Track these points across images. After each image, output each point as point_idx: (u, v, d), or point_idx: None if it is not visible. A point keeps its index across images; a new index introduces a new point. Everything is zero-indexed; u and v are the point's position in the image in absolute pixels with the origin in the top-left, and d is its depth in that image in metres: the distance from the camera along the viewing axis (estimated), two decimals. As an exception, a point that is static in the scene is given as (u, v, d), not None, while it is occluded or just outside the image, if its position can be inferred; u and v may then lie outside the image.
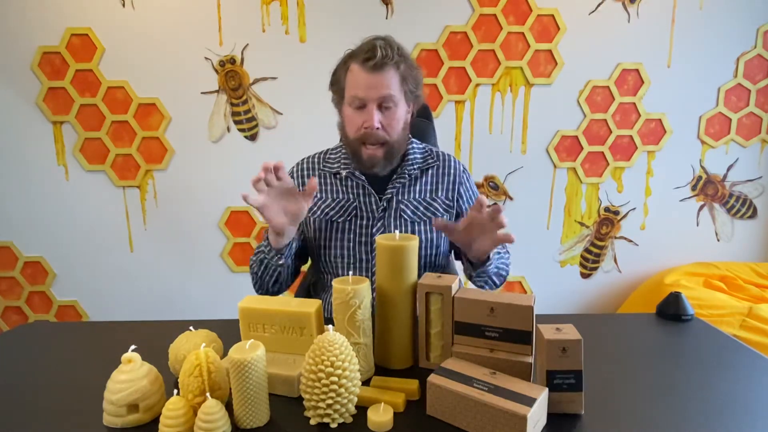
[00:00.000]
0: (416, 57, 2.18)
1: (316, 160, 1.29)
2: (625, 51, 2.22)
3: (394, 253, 0.82)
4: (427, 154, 1.27)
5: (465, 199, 1.27)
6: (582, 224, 2.38)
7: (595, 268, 2.43)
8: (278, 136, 2.24)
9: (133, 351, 0.72)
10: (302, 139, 2.22)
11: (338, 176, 1.24)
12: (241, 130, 2.24)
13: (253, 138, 2.24)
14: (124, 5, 2.10)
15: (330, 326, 0.71)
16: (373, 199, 1.21)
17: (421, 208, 1.22)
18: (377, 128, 1.12)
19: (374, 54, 1.10)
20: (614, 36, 2.20)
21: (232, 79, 2.19)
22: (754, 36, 2.22)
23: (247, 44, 2.16)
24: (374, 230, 1.20)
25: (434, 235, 1.22)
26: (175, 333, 0.84)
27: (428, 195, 1.23)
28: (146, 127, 2.21)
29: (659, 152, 2.32)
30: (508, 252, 1.34)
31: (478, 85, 2.23)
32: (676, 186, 2.37)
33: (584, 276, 2.44)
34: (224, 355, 0.85)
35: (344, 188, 1.23)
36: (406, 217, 1.20)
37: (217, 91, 2.20)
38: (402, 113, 1.17)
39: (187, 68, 2.16)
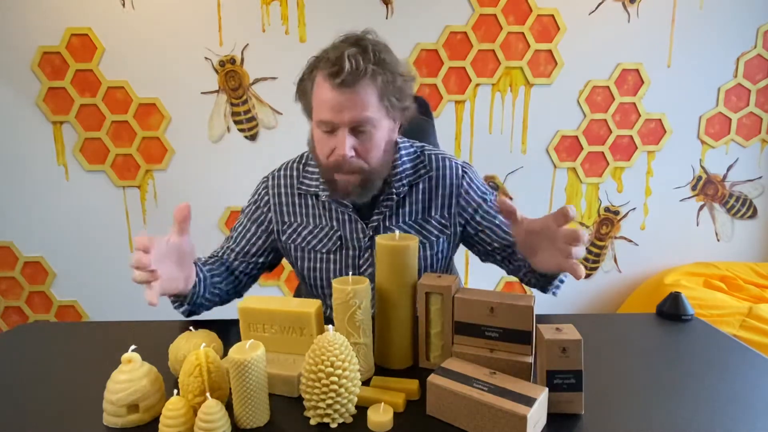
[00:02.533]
0: (416, 57, 2.18)
1: (294, 174, 1.11)
2: (625, 51, 2.22)
3: (394, 253, 0.82)
4: (418, 161, 1.08)
5: (472, 206, 1.09)
6: (582, 224, 2.38)
7: (595, 268, 2.43)
8: (278, 136, 2.24)
9: (133, 351, 0.72)
10: (302, 139, 2.20)
11: (317, 197, 1.08)
12: (241, 130, 2.24)
13: (253, 138, 2.24)
14: (124, 5, 2.10)
15: (330, 326, 0.71)
16: (359, 227, 1.06)
17: (413, 233, 1.06)
18: (351, 156, 0.94)
19: (342, 67, 0.89)
20: (614, 36, 2.20)
21: (232, 79, 2.19)
22: (754, 36, 2.22)
23: (247, 44, 2.16)
24: (361, 261, 1.06)
25: (429, 262, 1.09)
26: (175, 333, 0.84)
27: (420, 216, 1.07)
28: (146, 127, 2.21)
29: (659, 152, 2.32)
30: None
31: (478, 85, 2.23)
32: (676, 186, 2.37)
33: (584, 276, 2.44)
34: (224, 355, 0.85)
35: (326, 213, 1.07)
36: None
37: (217, 91, 2.20)
38: (383, 135, 0.98)
39: (187, 68, 2.16)
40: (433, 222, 1.08)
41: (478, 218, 1.10)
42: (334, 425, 0.69)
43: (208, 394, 0.67)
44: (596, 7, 2.18)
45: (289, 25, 2.15)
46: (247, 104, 2.21)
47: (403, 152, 1.08)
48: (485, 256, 1.15)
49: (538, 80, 2.22)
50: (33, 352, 0.94)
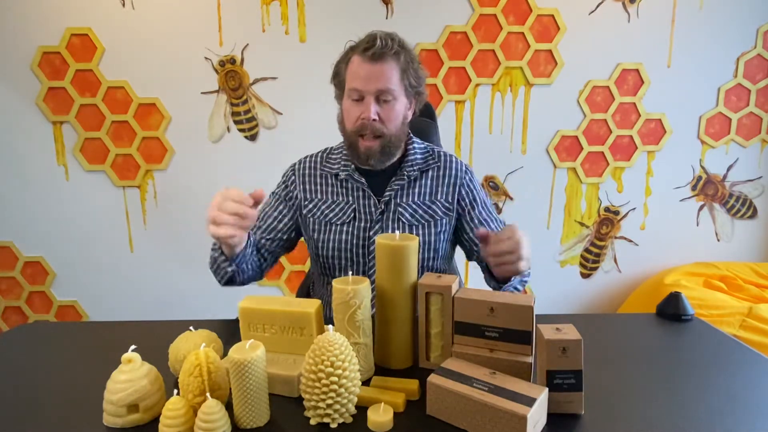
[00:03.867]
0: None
1: (318, 159, 1.27)
2: (625, 51, 2.22)
3: (394, 253, 0.82)
4: (428, 154, 1.25)
5: (468, 201, 1.24)
6: (582, 224, 2.38)
7: (595, 268, 2.43)
8: (278, 136, 2.24)
9: (133, 351, 0.72)
10: (302, 139, 2.22)
11: (338, 177, 1.22)
12: (241, 130, 2.24)
13: (253, 138, 2.24)
14: (124, 5, 2.10)
15: (330, 326, 0.71)
16: (371, 202, 1.19)
17: (420, 211, 1.20)
18: (374, 119, 1.11)
19: (374, 43, 1.09)
20: (614, 36, 2.20)
21: (232, 79, 2.19)
22: (754, 36, 2.23)
23: (247, 44, 2.16)
24: (371, 233, 1.18)
25: (432, 238, 1.20)
26: (175, 333, 0.84)
27: (427, 197, 1.21)
28: (146, 127, 2.21)
29: (659, 152, 2.32)
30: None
31: (478, 85, 2.23)
32: (676, 186, 2.37)
33: (584, 276, 2.44)
34: (224, 355, 0.85)
35: (344, 190, 1.21)
36: (404, 220, 1.19)
37: (217, 91, 2.20)
38: (401, 108, 1.16)
39: (187, 68, 2.16)
40: (439, 203, 1.22)
41: (471, 214, 1.25)
42: (334, 425, 0.69)
43: (208, 394, 0.67)
44: (596, 7, 2.18)
45: (289, 25, 2.15)
46: (247, 104, 2.21)
47: (416, 144, 1.25)
48: (469, 254, 1.31)
49: (538, 80, 2.22)
50: (33, 352, 0.94)
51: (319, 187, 1.23)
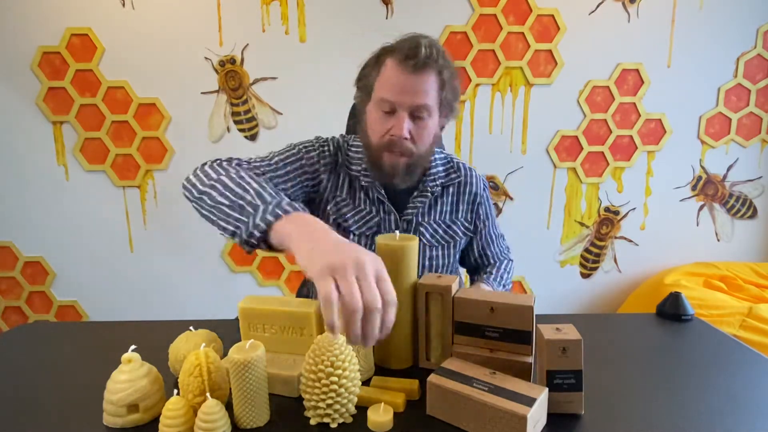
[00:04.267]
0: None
1: (343, 150, 1.13)
2: (625, 51, 2.22)
3: (394, 253, 0.82)
4: (449, 167, 1.17)
5: (482, 219, 1.19)
6: (582, 224, 2.38)
7: (595, 268, 2.43)
8: (278, 136, 2.24)
9: (133, 351, 0.72)
10: (302, 139, 2.22)
11: (360, 182, 1.11)
12: (241, 130, 2.24)
13: (253, 138, 2.24)
14: (124, 5, 2.10)
15: (330, 326, 0.71)
16: (392, 218, 1.11)
17: (440, 231, 1.14)
18: (405, 138, 1.00)
19: (417, 52, 0.96)
20: (614, 36, 2.20)
21: (232, 79, 2.19)
22: (754, 36, 2.22)
23: (247, 44, 2.16)
24: None
25: (451, 260, 1.16)
26: (175, 333, 0.84)
27: (448, 216, 1.15)
28: (146, 127, 2.21)
29: (659, 152, 2.32)
30: (512, 260, 1.32)
31: (478, 85, 2.23)
32: (676, 186, 2.37)
33: (584, 276, 2.44)
34: (224, 355, 0.85)
35: (367, 198, 1.11)
36: (425, 240, 1.12)
37: (217, 91, 2.20)
38: (434, 125, 1.05)
39: (187, 68, 2.16)
40: (459, 223, 1.17)
41: (482, 232, 1.22)
42: (334, 425, 0.69)
43: (208, 394, 0.67)
44: (596, 7, 2.18)
45: (289, 25, 2.15)
46: (247, 104, 2.21)
47: (437, 156, 1.17)
48: (470, 270, 1.30)
49: (538, 80, 2.22)
50: (33, 352, 0.94)
51: (345, 186, 1.11)
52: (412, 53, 0.97)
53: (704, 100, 2.29)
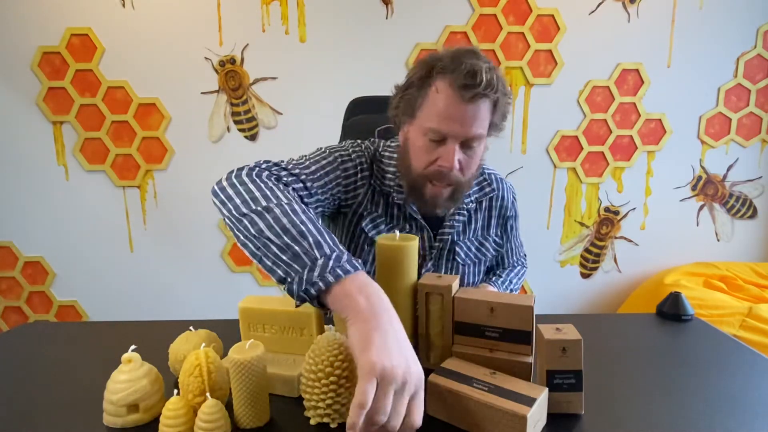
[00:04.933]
0: (416, 57, 2.18)
1: (372, 163, 1.04)
2: (625, 51, 2.22)
3: (394, 253, 0.82)
4: (482, 179, 1.12)
5: (508, 231, 1.16)
6: (582, 224, 2.38)
7: (595, 268, 2.43)
8: (278, 136, 2.24)
9: (133, 351, 0.72)
10: (302, 139, 2.22)
11: (394, 198, 1.04)
12: (241, 130, 2.24)
13: (253, 138, 2.24)
14: (124, 5, 2.10)
15: (330, 326, 0.71)
16: (426, 235, 1.05)
17: (473, 249, 1.10)
18: (456, 169, 0.93)
19: (477, 81, 0.86)
20: (614, 36, 2.20)
21: (232, 79, 2.19)
22: (754, 36, 2.23)
23: (247, 44, 2.16)
24: (423, 270, 1.03)
25: (480, 277, 1.14)
26: (175, 333, 0.84)
27: (480, 233, 1.11)
28: (146, 127, 2.21)
29: (659, 152, 2.32)
30: (526, 267, 1.28)
31: (478, 85, 2.22)
32: (676, 186, 2.37)
33: (584, 276, 2.44)
34: (224, 355, 0.85)
35: (400, 213, 1.05)
36: (459, 259, 1.08)
37: (217, 91, 2.20)
38: (482, 150, 0.98)
39: (187, 68, 2.16)
40: (490, 239, 1.14)
41: (506, 245, 1.20)
42: (334, 425, 0.69)
43: (208, 394, 0.67)
44: (596, 7, 2.18)
45: (289, 25, 2.15)
46: (247, 104, 2.21)
47: None
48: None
49: (538, 80, 2.22)
50: (33, 352, 0.94)
51: (381, 201, 1.04)
52: (470, 81, 0.86)
53: (704, 100, 2.29)
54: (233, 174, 0.87)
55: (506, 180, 1.17)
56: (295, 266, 0.67)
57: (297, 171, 0.94)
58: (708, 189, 2.37)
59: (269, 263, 0.70)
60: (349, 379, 0.69)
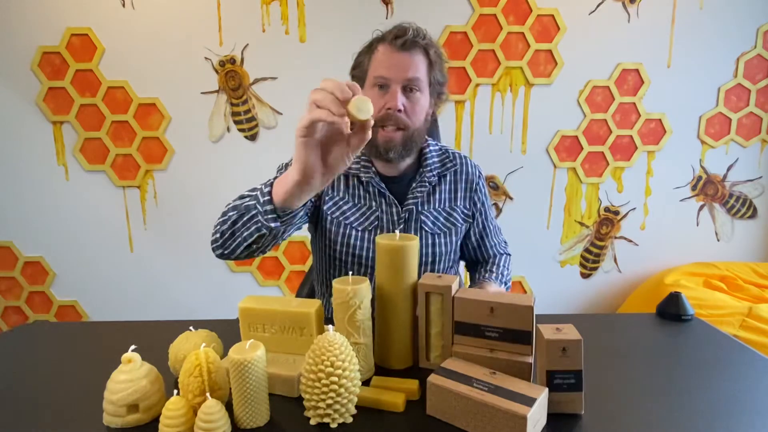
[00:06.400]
0: (416, 57, 2.18)
1: None
2: (625, 51, 2.22)
3: (394, 253, 0.82)
4: (444, 156, 1.21)
5: (478, 206, 1.22)
6: (582, 224, 2.38)
7: (595, 268, 2.43)
8: (278, 136, 2.24)
9: (133, 351, 0.72)
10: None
11: (360, 179, 1.15)
12: (241, 130, 2.24)
13: (253, 138, 2.24)
14: (124, 5, 2.10)
15: (330, 326, 0.71)
16: (394, 210, 1.15)
17: (441, 219, 1.17)
18: (399, 110, 1.05)
19: (405, 32, 1.05)
20: (614, 36, 2.20)
21: (232, 79, 2.19)
22: (754, 36, 2.23)
23: (247, 44, 2.16)
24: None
25: (453, 247, 1.19)
26: (175, 333, 0.84)
27: (447, 204, 1.19)
28: (146, 127, 2.21)
29: (659, 152, 2.32)
30: (509, 254, 1.33)
31: (478, 85, 2.23)
32: (676, 186, 2.37)
33: (584, 276, 2.44)
34: (224, 355, 0.85)
35: (366, 194, 1.15)
36: (426, 229, 1.16)
37: (217, 91, 2.20)
38: (425, 103, 1.10)
39: (187, 68, 2.16)
40: (458, 210, 1.20)
41: (478, 220, 1.25)
42: (334, 425, 0.69)
43: (208, 394, 0.67)
44: (596, 7, 2.18)
45: (289, 25, 2.15)
46: (247, 104, 2.21)
47: (431, 147, 1.21)
48: (468, 262, 1.31)
49: (538, 80, 2.22)
50: (33, 352, 0.94)
51: (342, 185, 1.16)
52: (400, 33, 1.05)
53: (704, 100, 2.29)
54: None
55: (470, 159, 1.26)
56: (252, 214, 0.88)
57: (256, 187, 1.04)
58: (708, 189, 2.37)
59: (247, 233, 0.91)
60: (350, 379, 0.69)
